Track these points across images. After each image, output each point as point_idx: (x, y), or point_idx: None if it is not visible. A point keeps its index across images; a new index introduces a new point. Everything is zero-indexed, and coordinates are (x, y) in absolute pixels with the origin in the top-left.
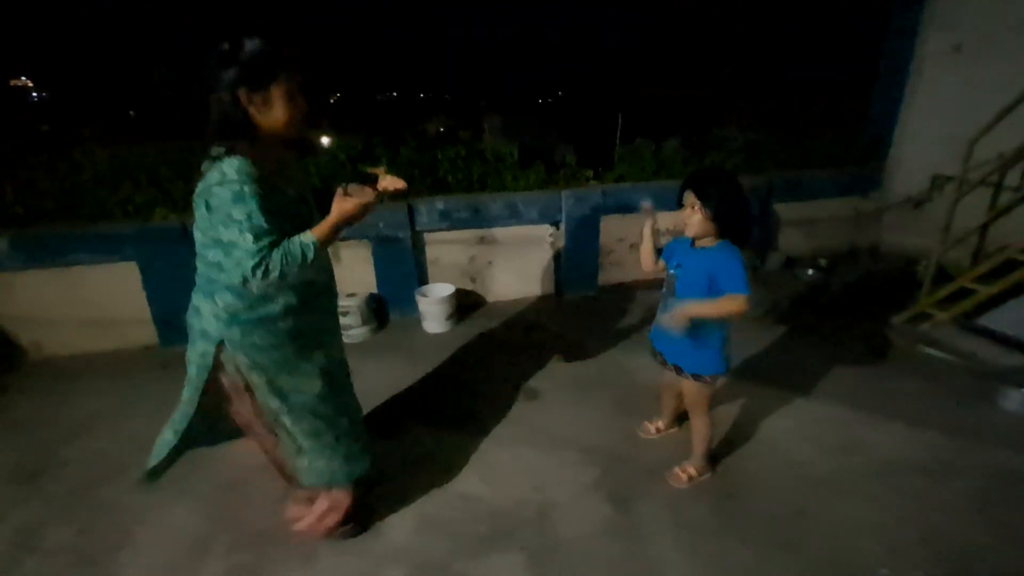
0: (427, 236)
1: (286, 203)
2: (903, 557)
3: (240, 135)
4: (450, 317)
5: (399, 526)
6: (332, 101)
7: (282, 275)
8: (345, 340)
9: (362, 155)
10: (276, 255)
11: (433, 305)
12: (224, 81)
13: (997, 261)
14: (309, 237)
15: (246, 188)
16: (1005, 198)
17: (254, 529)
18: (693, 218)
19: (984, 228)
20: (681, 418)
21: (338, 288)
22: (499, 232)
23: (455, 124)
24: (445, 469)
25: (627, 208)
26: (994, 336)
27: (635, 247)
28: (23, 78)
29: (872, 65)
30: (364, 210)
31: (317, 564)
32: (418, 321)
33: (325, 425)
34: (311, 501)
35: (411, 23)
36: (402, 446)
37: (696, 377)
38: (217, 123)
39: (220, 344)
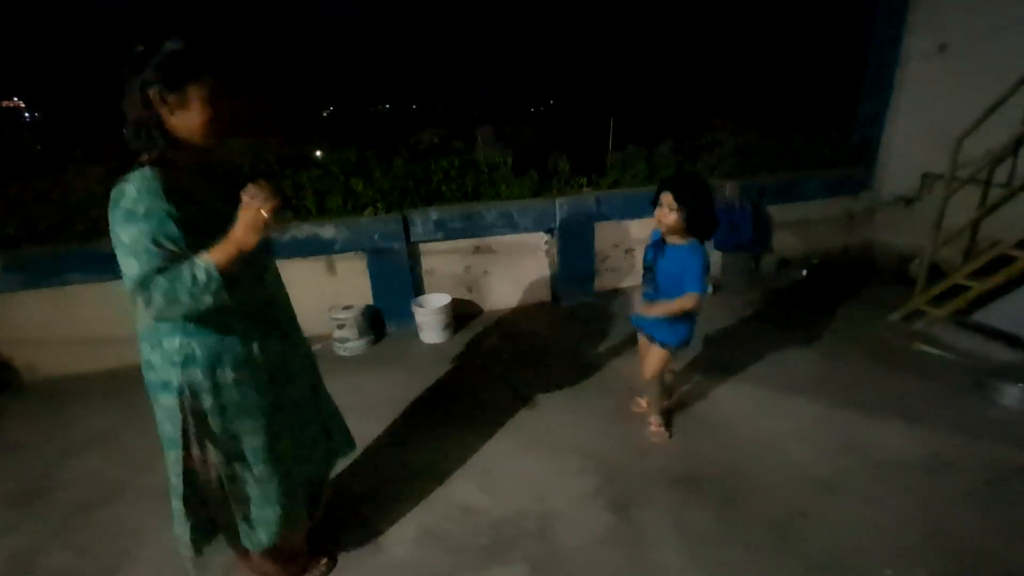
0: (422, 247)
1: (206, 216)
2: (906, 556)
3: (152, 139)
4: (447, 327)
5: (399, 540)
6: (325, 114)
7: (172, 303)
8: (342, 353)
9: (356, 167)
10: (161, 280)
11: (430, 316)
12: (137, 82)
13: (989, 257)
14: (204, 259)
15: (141, 207)
16: (995, 194)
17: None
18: (670, 217)
19: (975, 225)
20: (670, 409)
21: (335, 300)
22: (494, 241)
23: (448, 134)
24: (445, 480)
25: (621, 214)
26: (988, 332)
27: (630, 252)
28: (15, 98)
29: (859, 67)
30: (257, 222)
31: None
32: (415, 332)
33: (273, 469)
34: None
35: (404, 34)
36: (401, 458)
37: (663, 345)
38: (131, 128)
39: (182, 394)
